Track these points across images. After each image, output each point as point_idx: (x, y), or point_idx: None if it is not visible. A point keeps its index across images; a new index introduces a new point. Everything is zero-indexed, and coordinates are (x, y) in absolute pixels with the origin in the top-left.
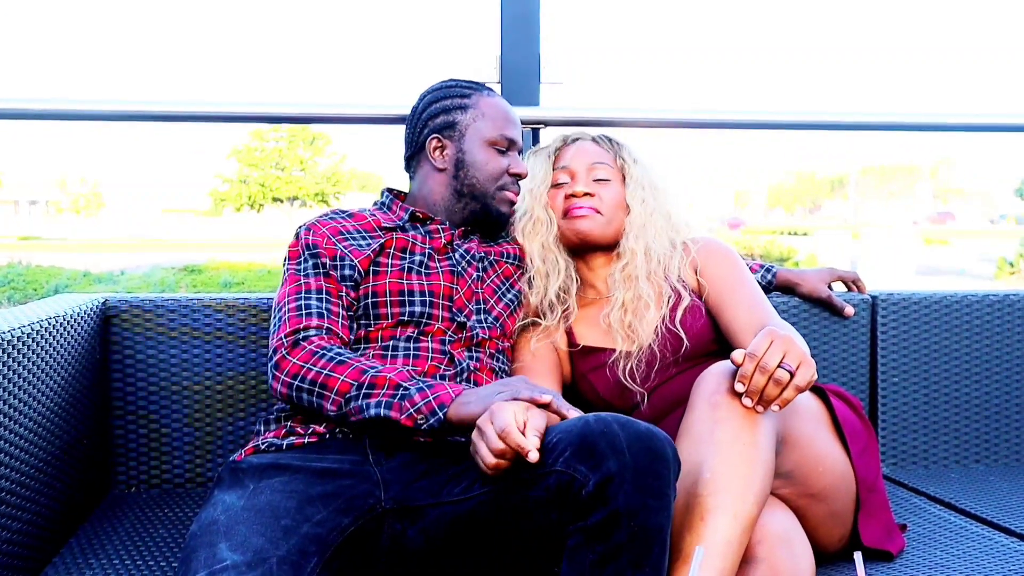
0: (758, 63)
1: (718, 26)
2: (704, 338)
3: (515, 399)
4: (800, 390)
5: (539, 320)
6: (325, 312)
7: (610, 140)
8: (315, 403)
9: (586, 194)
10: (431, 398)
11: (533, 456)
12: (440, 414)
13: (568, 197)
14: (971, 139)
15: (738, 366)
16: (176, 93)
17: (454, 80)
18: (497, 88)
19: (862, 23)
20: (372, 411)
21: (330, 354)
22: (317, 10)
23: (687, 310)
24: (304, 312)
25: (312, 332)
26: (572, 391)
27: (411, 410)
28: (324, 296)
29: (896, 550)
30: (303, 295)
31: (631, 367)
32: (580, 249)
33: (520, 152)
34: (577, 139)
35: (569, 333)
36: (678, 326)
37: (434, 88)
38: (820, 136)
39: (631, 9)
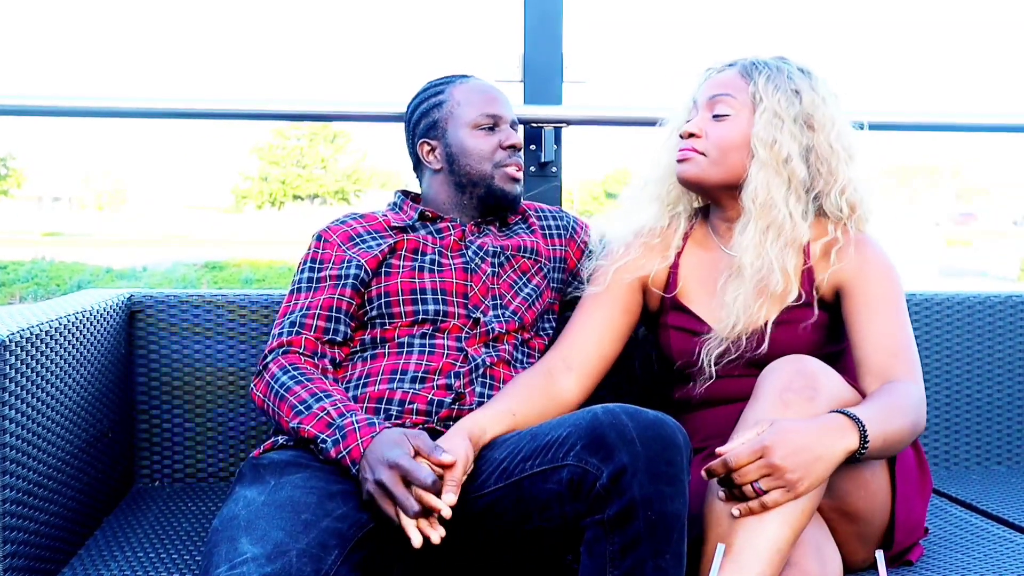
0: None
1: (743, 26)
2: (796, 352)
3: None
4: (778, 504)
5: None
6: (299, 325)
7: (755, 65)
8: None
9: (691, 135)
10: (344, 453)
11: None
12: (353, 469)
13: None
14: (994, 140)
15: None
16: (199, 91)
17: (430, 82)
18: (519, 87)
19: (884, 23)
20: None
21: (276, 384)
22: (339, 8)
23: (803, 327)
24: (283, 330)
25: (276, 352)
26: (633, 340)
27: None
28: (306, 311)
29: (915, 558)
30: (288, 316)
31: (715, 351)
32: (699, 195)
33: (518, 137)
34: (711, 69)
35: (672, 273)
36: (773, 333)
37: (415, 96)
38: None
39: (655, 7)
